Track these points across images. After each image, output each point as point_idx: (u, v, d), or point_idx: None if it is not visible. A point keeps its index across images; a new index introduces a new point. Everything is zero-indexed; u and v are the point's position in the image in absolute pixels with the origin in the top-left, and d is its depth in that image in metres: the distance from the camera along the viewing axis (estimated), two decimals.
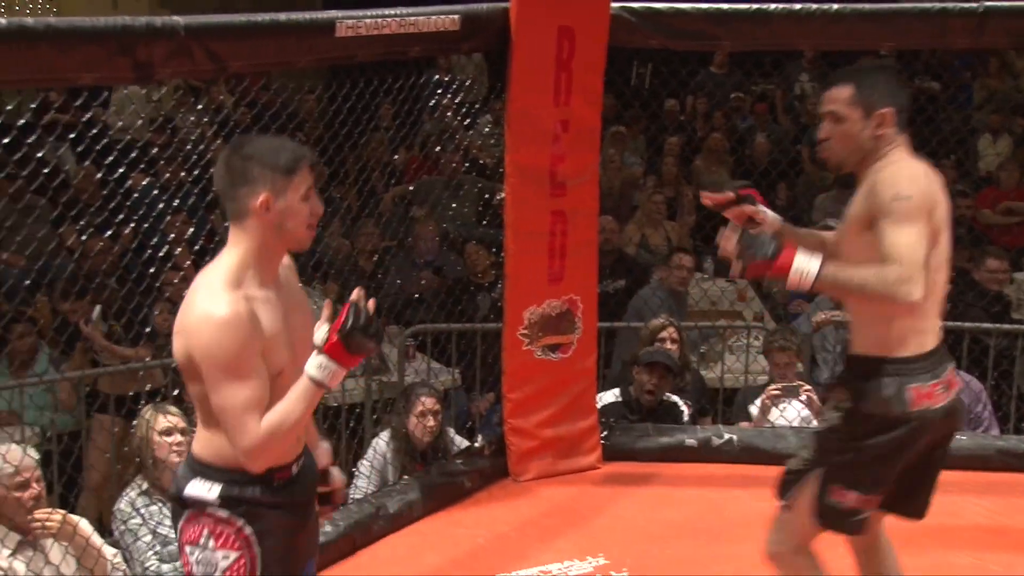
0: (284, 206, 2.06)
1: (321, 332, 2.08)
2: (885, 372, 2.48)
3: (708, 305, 5.71)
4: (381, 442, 4.06)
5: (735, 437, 4.42)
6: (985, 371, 5.04)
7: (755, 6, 4.18)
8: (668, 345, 4.63)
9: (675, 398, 4.57)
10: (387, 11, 3.68)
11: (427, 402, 4.02)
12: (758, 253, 2.38)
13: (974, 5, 4.16)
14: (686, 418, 4.55)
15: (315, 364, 2.05)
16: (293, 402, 2.05)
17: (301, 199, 2.08)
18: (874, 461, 2.51)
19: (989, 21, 4.09)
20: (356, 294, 2.08)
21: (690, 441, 4.41)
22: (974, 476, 4.19)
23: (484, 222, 6.00)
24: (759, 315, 5.80)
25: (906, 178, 2.43)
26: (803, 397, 4.54)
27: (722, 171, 7.52)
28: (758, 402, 4.60)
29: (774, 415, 4.53)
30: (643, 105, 7.46)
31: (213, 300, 2.02)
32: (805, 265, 2.36)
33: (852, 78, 2.52)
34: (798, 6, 4.15)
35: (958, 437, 4.29)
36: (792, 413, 4.52)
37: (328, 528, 3.46)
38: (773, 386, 4.54)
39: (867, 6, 4.20)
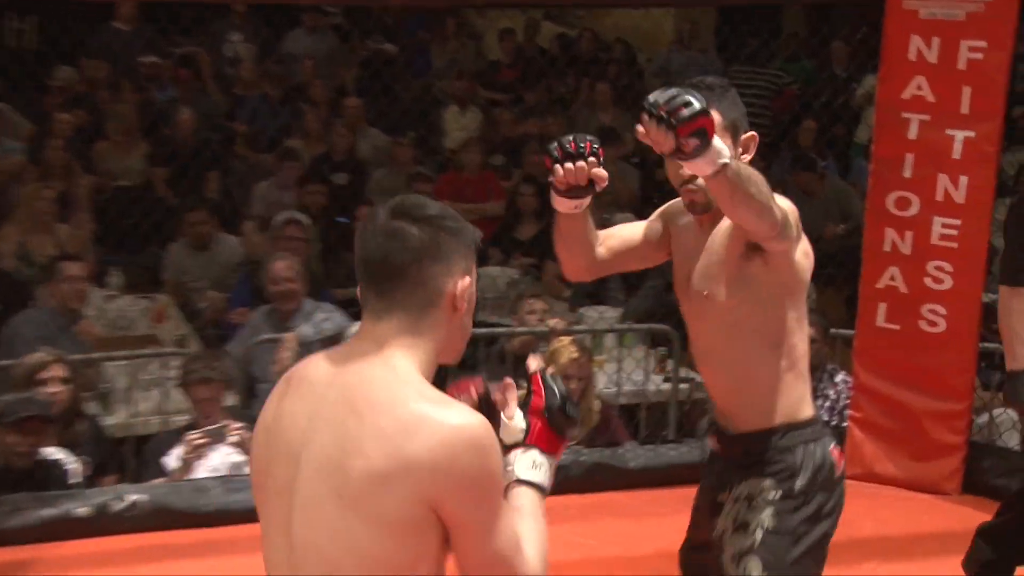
0: (471, 295, 1.84)
1: (516, 422, 1.91)
2: (803, 438, 2.53)
3: (113, 330, 5.52)
4: None
5: (142, 498, 4.32)
6: None
7: None
8: (51, 388, 4.42)
9: (57, 454, 4.36)
10: None
11: None
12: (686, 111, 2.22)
13: None
14: (75, 479, 4.37)
15: (526, 465, 1.89)
16: (539, 520, 1.86)
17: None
18: (824, 542, 2.54)
19: None
20: (535, 363, 1.95)
21: (81, 510, 4.26)
22: None
23: None
24: (181, 339, 5.70)
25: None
26: (232, 438, 4.51)
27: (135, 155, 7.34)
28: (176, 451, 4.50)
29: (198, 466, 4.46)
30: (24, 74, 7.10)
31: (453, 412, 1.74)
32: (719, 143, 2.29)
33: (712, 98, 2.47)
34: None
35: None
36: (217, 460, 4.48)
37: None
38: (193, 434, 4.47)
39: None
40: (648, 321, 5.89)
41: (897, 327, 4.87)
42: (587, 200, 2.57)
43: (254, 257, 6.37)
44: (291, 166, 7.26)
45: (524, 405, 1.93)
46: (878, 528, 4.43)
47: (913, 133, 4.78)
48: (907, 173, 4.80)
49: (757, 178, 2.37)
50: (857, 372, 4.97)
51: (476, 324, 5.74)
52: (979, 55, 4.67)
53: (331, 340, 5.32)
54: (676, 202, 2.70)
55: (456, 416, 1.73)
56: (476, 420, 1.74)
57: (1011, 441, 5.22)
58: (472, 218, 8.40)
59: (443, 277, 1.80)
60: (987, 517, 4.54)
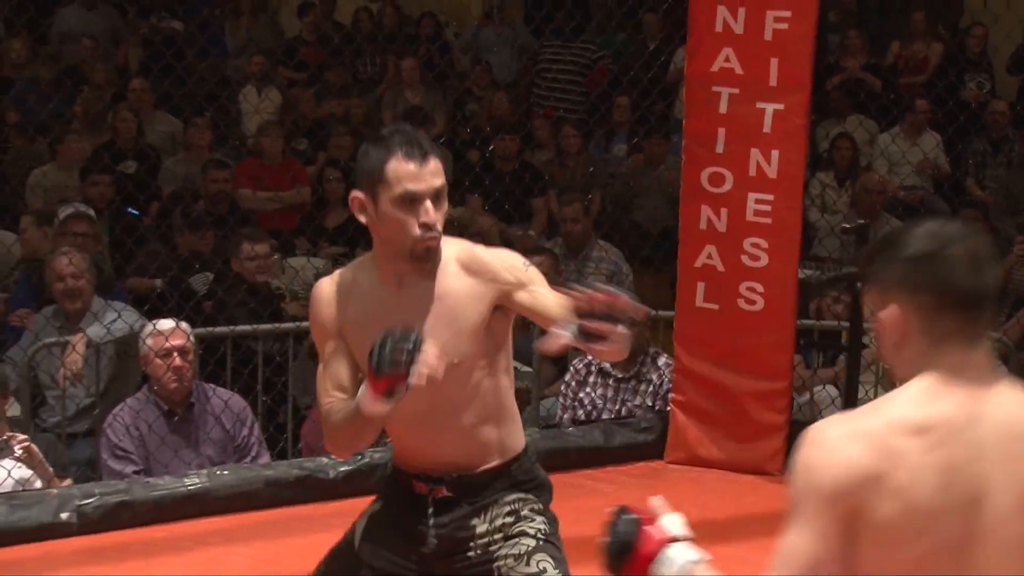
0: None
1: None
2: (534, 459, 2.86)
3: None
4: None
5: None
6: (253, 383, 5.39)
7: None
8: None
9: None
10: None
11: None
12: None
13: None
14: None
15: None
16: None
17: None
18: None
19: None
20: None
21: None
22: (240, 519, 4.44)
23: None
24: None
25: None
26: (18, 451, 4.44)
27: None
28: None
29: None
30: None
31: None
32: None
33: (431, 143, 2.67)
34: None
35: (219, 472, 4.59)
36: (2, 474, 4.40)
37: None
38: None
39: None
40: None
41: (716, 307, 5.04)
42: None
43: (34, 254, 6.24)
44: (72, 155, 7.14)
45: None
46: (702, 512, 4.58)
47: (723, 107, 4.95)
48: (719, 148, 4.97)
49: None
50: (678, 354, 5.13)
51: (286, 319, 5.75)
52: (784, 25, 4.85)
53: (123, 341, 5.27)
54: (323, 291, 2.75)
55: None
56: None
57: None
58: (275, 207, 8.40)
59: None
60: None
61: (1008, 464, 1.86)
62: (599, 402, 5.31)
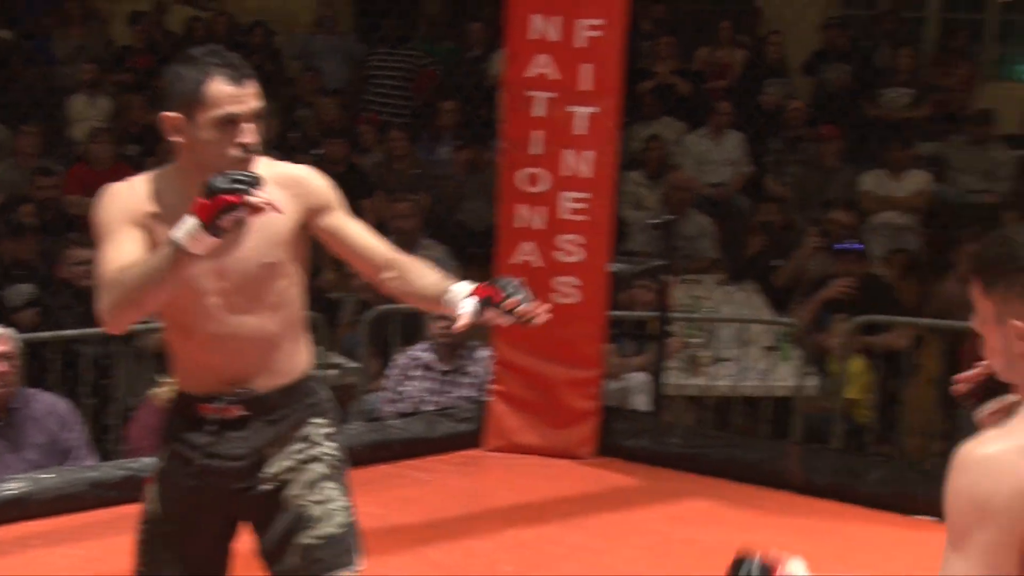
0: None
1: None
2: (319, 380, 2.80)
3: None
4: None
5: None
6: (76, 386, 5.20)
7: None
8: None
9: None
10: None
11: None
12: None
13: None
14: None
15: None
16: None
17: None
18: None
19: None
20: None
21: None
22: (64, 520, 4.26)
23: None
24: None
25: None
26: None
27: None
28: None
29: None
30: None
31: None
32: None
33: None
34: None
35: (42, 476, 4.41)
36: None
37: None
38: None
39: None
40: None
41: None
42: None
43: None
44: None
45: None
46: (516, 496, 4.60)
47: (539, 111, 4.95)
48: (535, 150, 4.97)
49: None
50: (498, 347, 5.11)
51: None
52: (597, 32, 4.86)
53: None
54: (123, 187, 2.62)
55: None
56: None
57: (641, 404, 5.54)
58: None
59: None
60: (620, 477, 4.83)
61: None
62: (423, 395, 5.26)
